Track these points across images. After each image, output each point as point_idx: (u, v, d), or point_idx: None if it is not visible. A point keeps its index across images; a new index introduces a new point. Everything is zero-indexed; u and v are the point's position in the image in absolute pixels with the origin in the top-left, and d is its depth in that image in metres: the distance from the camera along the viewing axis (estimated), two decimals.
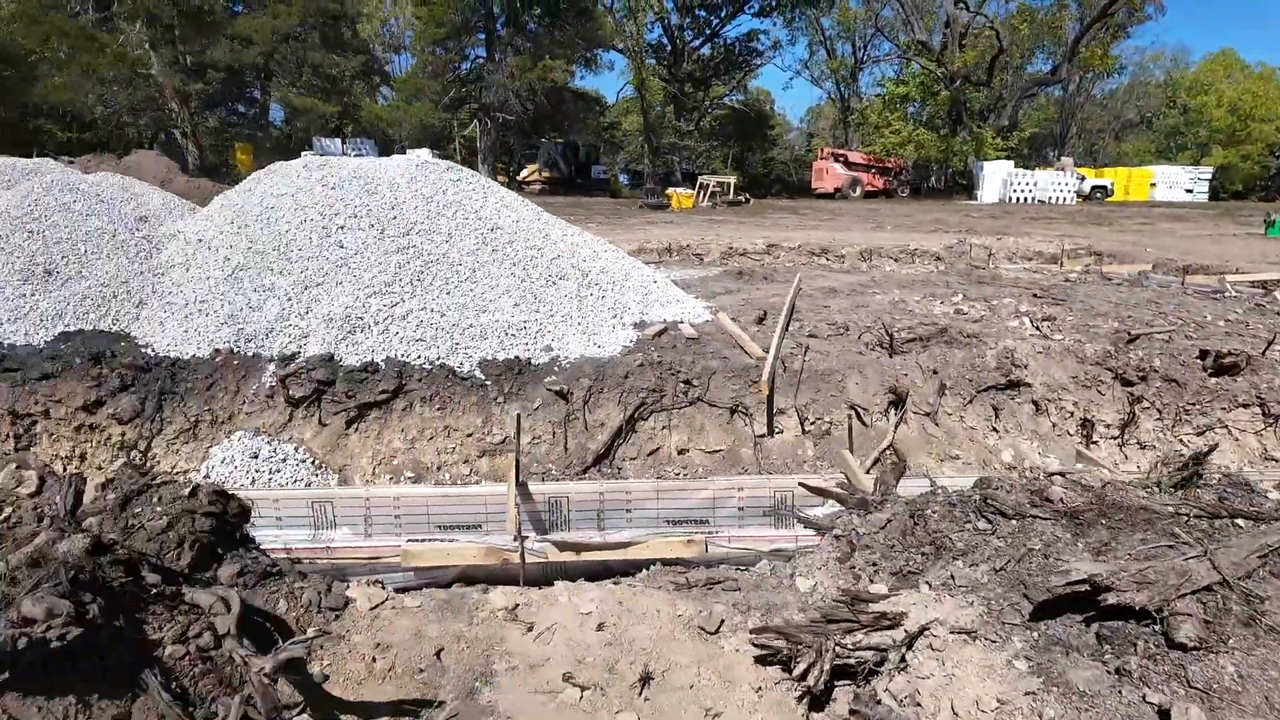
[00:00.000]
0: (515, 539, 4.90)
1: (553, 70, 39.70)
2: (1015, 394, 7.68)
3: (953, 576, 3.81)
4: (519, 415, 6.57)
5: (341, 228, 8.33)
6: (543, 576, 5.16)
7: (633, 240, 17.96)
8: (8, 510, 3.66)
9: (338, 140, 44.92)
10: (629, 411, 6.97)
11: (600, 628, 3.75)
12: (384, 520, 5.80)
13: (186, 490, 3.90)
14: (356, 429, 6.88)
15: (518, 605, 4.04)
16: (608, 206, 34.41)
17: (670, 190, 36.73)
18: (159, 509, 3.79)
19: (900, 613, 3.50)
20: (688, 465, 6.86)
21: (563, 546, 4.99)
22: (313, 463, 6.67)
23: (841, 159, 47.89)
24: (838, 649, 3.38)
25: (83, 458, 6.65)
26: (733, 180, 38.12)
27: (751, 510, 5.84)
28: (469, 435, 7.03)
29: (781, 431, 7.02)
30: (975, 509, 4.29)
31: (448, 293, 7.98)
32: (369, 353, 7.15)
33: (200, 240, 8.76)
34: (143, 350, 7.15)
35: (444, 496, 5.83)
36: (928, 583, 3.84)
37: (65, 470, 6.57)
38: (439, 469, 6.94)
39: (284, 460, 6.59)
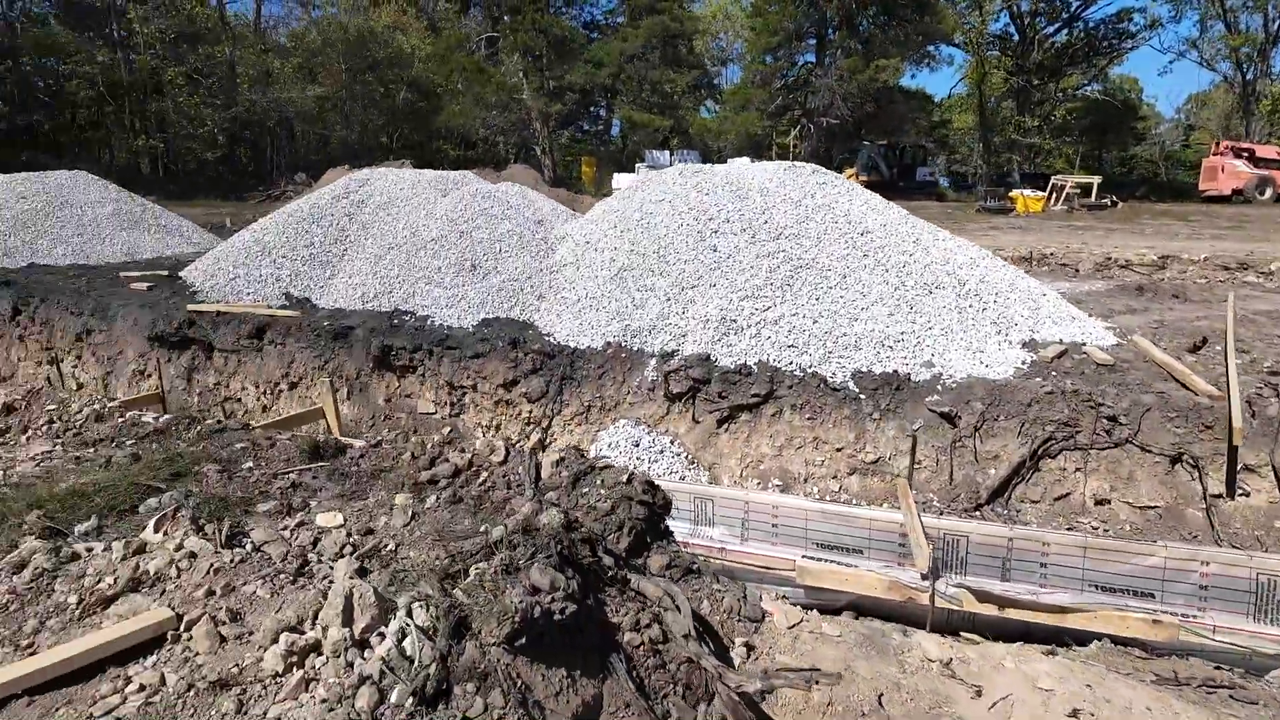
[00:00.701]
0: (925, 578, 4.40)
1: (884, 70, 37.92)
2: None
3: None
4: (914, 436, 6.04)
5: (715, 232, 8.55)
6: (946, 625, 4.59)
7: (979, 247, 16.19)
8: (484, 475, 4.21)
9: (665, 152, 47.98)
10: (1033, 445, 6.03)
11: (1075, 715, 3.11)
12: (760, 527, 5.69)
13: (624, 476, 4.10)
14: (727, 429, 6.94)
15: (952, 660, 3.55)
16: (936, 210, 31.87)
17: (1014, 192, 32.86)
18: (603, 491, 4.03)
19: None
20: (1108, 520, 5.72)
21: (983, 598, 4.37)
22: (686, 457, 6.87)
23: (1245, 154, 38.67)
24: None
25: (498, 428, 7.65)
26: (1095, 181, 32.88)
27: (1219, 592, 4.62)
28: (839, 449, 6.68)
29: (1248, 494, 5.53)
30: None
31: (817, 299, 7.72)
32: (742, 355, 7.17)
33: (588, 242, 9.64)
34: (545, 338, 8.02)
35: (824, 514, 5.53)
36: None
37: (487, 435, 7.63)
38: (805, 480, 6.70)
39: (661, 452, 6.89)
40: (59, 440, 5.00)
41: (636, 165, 47.54)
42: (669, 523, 4.71)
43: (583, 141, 60.30)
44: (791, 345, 7.25)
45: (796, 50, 43.78)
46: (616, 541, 3.88)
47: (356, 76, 44.66)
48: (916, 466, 6.31)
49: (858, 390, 6.82)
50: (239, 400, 8.37)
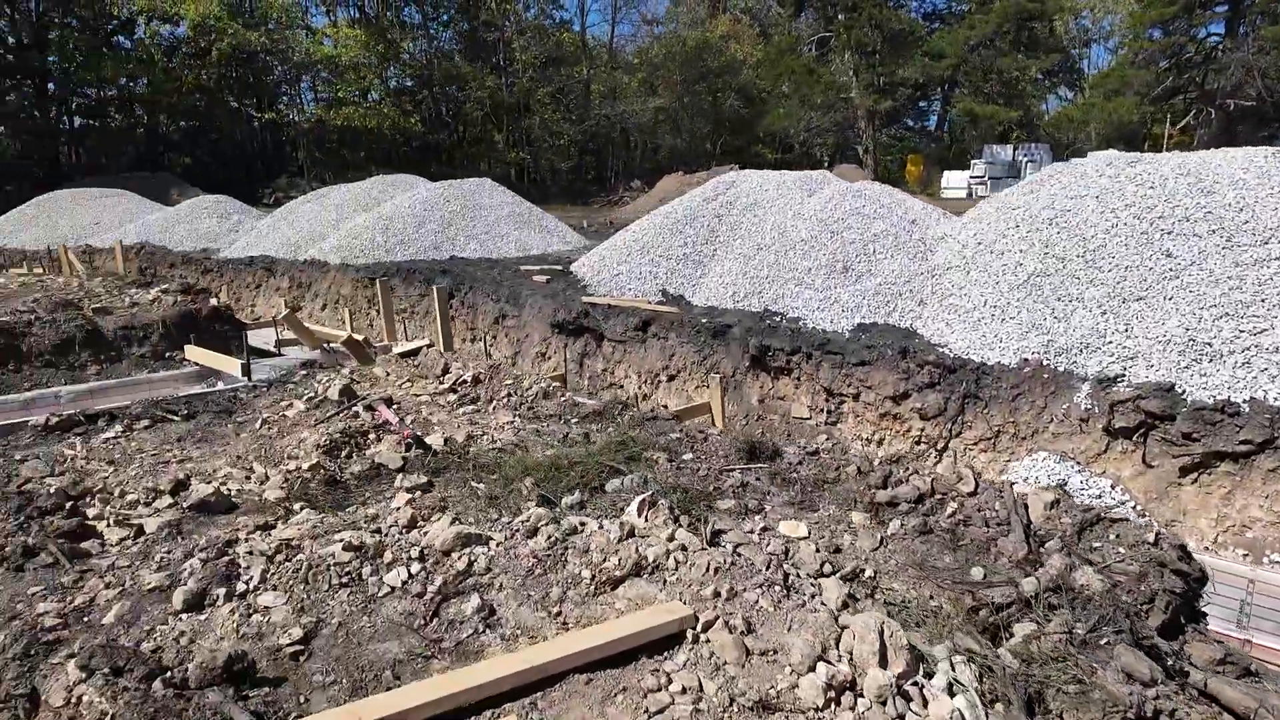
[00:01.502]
0: None
1: None
2: None
3: None
4: None
5: (1168, 233, 7.00)
6: None
7: None
8: (952, 506, 3.70)
9: (1008, 147, 43.03)
10: None
11: None
12: (1274, 616, 4.37)
13: (1149, 535, 3.29)
14: (1196, 480, 5.55)
15: None
16: None
17: None
18: (1123, 550, 3.26)
19: None
20: None
21: None
22: (1133, 507, 5.65)
23: None
24: None
25: (880, 442, 7.10)
26: None
27: None
28: None
29: None
30: None
31: None
32: (1222, 388, 5.69)
33: (979, 243, 8.61)
34: (938, 349, 7.27)
35: None
36: None
37: (874, 446, 7.15)
38: None
39: (1097, 496, 5.75)
40: (517, 412, 5.59)
41: (971, 162, 43.41)
42: None
43: (904, 139, 56.91)
44: None
45: (1197, 22, 36.17)
46: (1144, 617, 3.10)
47: (690, 87, 47.16)
48: None
49: None
50: (621, 387, 8.95)
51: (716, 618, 2.74)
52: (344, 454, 4.67)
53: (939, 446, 6.66)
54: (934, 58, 44.15)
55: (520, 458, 4.36)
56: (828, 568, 3.19)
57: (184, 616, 2.93)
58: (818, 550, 3.38)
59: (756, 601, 2.89)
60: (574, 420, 5.39)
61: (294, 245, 15.25)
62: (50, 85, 38.02)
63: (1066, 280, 7.17)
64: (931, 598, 3.04)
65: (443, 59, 45.02)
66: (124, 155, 39.82)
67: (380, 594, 3.08)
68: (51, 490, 3.81)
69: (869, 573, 3.22)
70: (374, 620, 2.94)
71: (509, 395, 5.86)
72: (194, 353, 7.05)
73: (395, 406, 5.49)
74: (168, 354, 8.71)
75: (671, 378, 8.49)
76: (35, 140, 38.39)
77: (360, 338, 7.19)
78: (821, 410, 7.47)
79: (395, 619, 2.95)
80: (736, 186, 11.59)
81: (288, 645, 2.77)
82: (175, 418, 5.19)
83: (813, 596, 3.01)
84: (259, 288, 14.24)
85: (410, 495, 3.97)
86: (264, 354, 8.44)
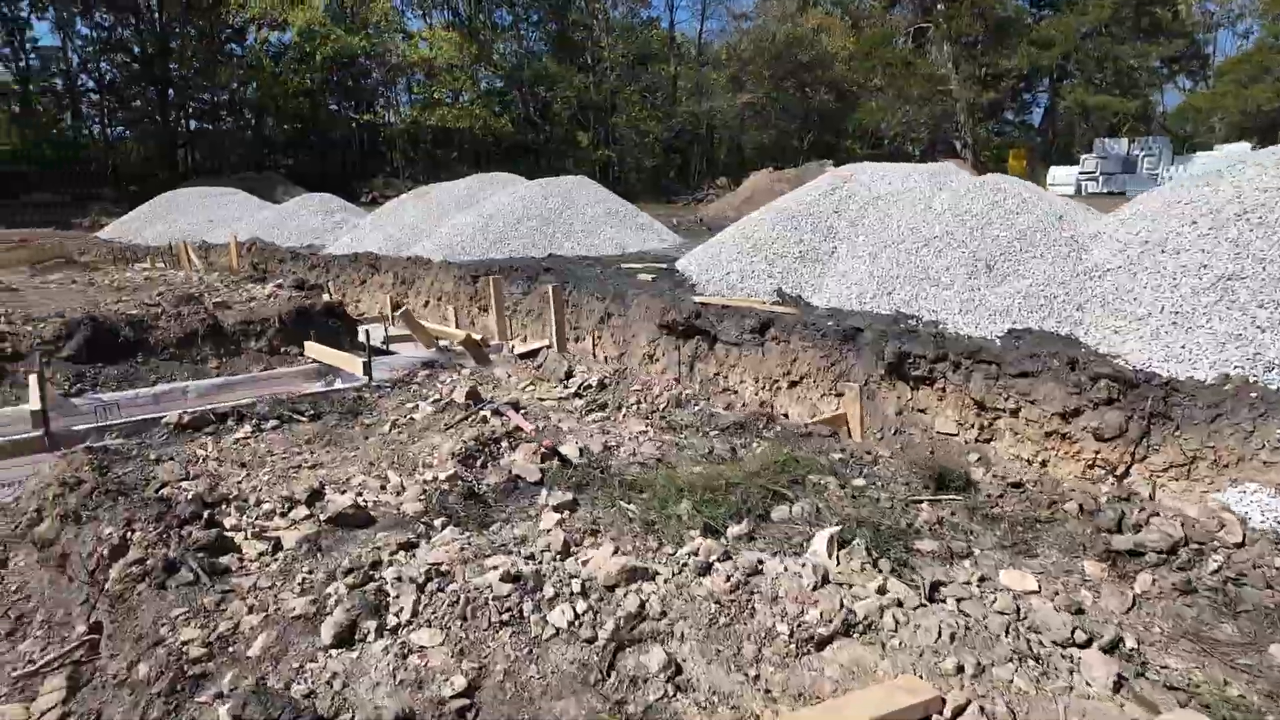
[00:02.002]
0: None
1: None
2: None
3: None
4: None
5: None
6: None
7: None
8: (1215, 559, 3.02)
9: (1122, 140, 40.10)
10: None
11: None
12: None
13: None
14: None
15: None
16: None
17: None
18: None
19: None
20: None
21: None
22: None
23: None
24: None
25: (1044, 464, 6.34)
26: None
27: None
28: None
29: None
30: None
31: None
32: None
33: (1146, 242, 7.67)
34: (1109, 360, 6.44)
35: None
36: None
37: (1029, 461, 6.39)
38: None
39: None
40: (648, 421, 5.18)
41: (1081, 157, 40.62)
42: None
43: (1005, 134, 54.05)
44: None
45: None
46: None
47: (779, 82, 46.08)
48: None
49: None
50: (735, 392, 8.44)
51: (968, 702, 2.22)
52: (479, 463, 4.36)
53: (1118, 472, 5.85)
54: (1041, 46, 41.59)
55: (669, 476, 3.93)
56: (1079, 635, 2.60)
57: (334, 653, 2.61)
58: (1056, 609, 2.80)
59: (1011, 681, 2.34)
60: (713, 432, 4.93)
61: (397, 242, 15.40)
62: (170, 92, 40.38)
63: (1270, 284, 6.21)
64: (1227, 683, 2.41)
65: (532, 59, 45.50)
66: (234, 157, 41.93)
67: (545, 636, 2.70)
68: (189, 496, 3.61)
69: (1130, 643, 2.62)
70: (542, 669, 2.55)
71: (638, 402, 5.45)
72: (313, 349, 6.97)
73: (523, 412, 5.16)
74: (283, 348, 8.73)
75: (793, 384, 7.92)
76: (157, 143, 40.90)
77: (478, 337, 6.94)
78: (972, 426, 6.74)
79: (566, 669, 2.55)
80: (854, 180, 10.88)
81: (451, 697, 2.41)
82: (301, 418, 5.01)
83: (1071, 672, 2.44)
84: (363, 283, 14.43)
85: (559, 515, 3.59)
86: (374, 350, 8.35)
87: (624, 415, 5.27)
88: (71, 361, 7.65)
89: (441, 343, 7.67)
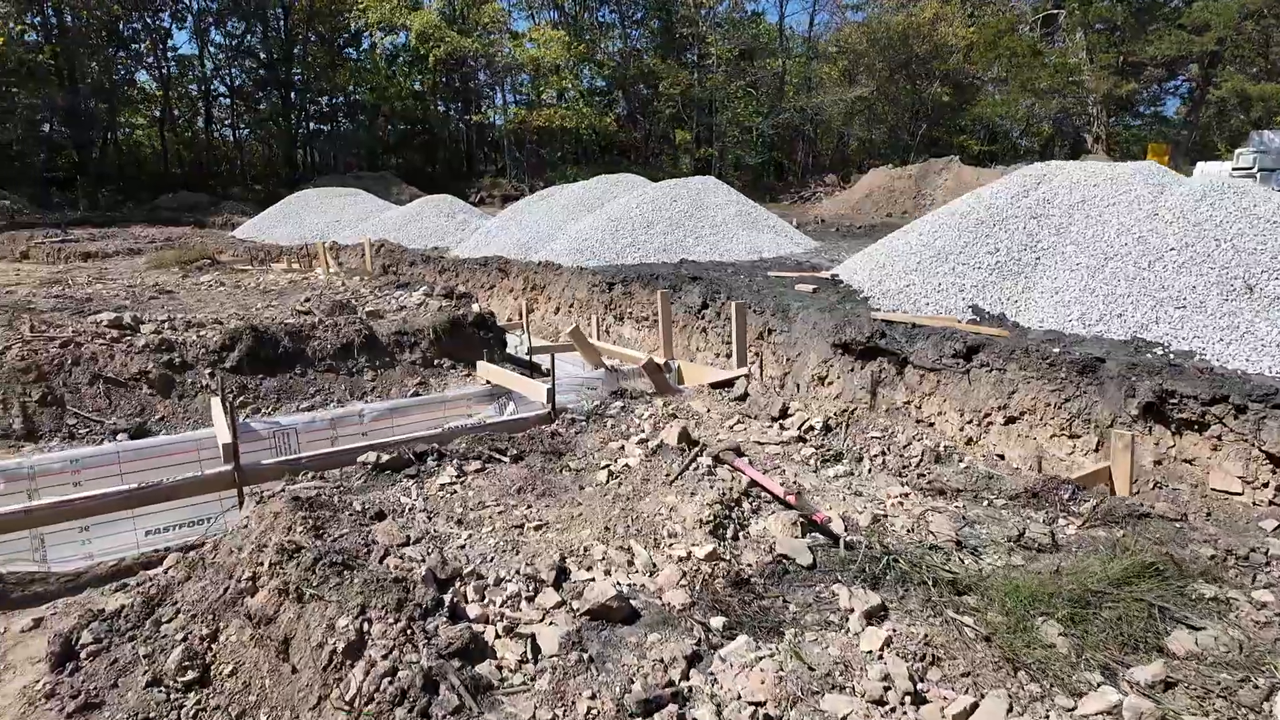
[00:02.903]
0: None
1: None
2: None
3: None
4: None
5: None
6: None
7: None
8: None
9: None
10: None
11: None
12: None
13: None
14: None
15: None
16: None
17: None
18: None
19: None
20: None
21: None
22: None
23: None
24: None
25: None
26: None
27: None
28: None
29: None
30: None
31: None
32: None
33: None
34: None
35: None
36: None
37: None
38: None
39: None
40: (903, 480, 4.32)
41: (1236, 152, 36.71)
42: None
43: (1135, 126, 49.78)
44: None
45: None
46: None
47: (892, 75, 43.91)
48: None
49: None
50: (932, 425, 7.44)
51: None
52: (728, 532, 3.62)
53: None
54: (1193, 32, 37.82)
55: (1010, 579, 3.06)
56: None
57: None
58: None
59: None
60: (999, 500, 4.02)
61: (524, 246, 15.04)
62: (292, 95, 42.13)
63: None
64: None
65: (637, 57, 45.00)
66: (350, 156, 43.39)
67: None
68: (422, 573, 3.01)
69: None
70: None
71: (882, 453, 4.60)
72: (486, 370, 6.45)
73: (747, 460, 4.39)
74: (435, 360, 8.34)
75: (1010, 420, 6.85)
76: (279, 144, 42.79)
77: (661, 360, 6.24)
78: (1260, 484, 5.54)
79: None
80: (1049, 181, 9.61)
81: None
82: (504, 458, 4.41)
83: None
84: (492, 288, 14.10)
85: (880, 631, 2.79)
86: (533, 367, 7.83)
87: (869, 470, 4.43)
88: (233, 373, 7.46)
89: (610, 362, 7.02)
